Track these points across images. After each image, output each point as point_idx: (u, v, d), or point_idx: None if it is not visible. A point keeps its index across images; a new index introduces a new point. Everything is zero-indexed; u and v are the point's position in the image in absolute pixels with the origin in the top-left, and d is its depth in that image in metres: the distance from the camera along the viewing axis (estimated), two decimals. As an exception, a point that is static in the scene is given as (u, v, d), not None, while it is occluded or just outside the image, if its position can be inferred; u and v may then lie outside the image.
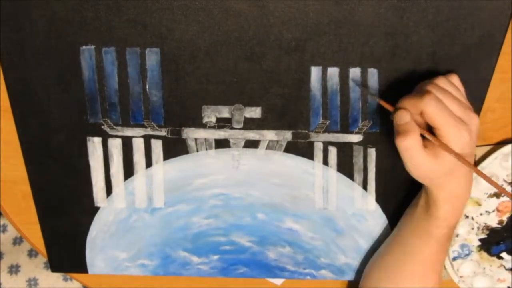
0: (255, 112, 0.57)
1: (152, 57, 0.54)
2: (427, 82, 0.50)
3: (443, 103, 0.48)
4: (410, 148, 0.48)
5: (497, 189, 0.49)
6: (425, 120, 0.48)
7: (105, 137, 0.59)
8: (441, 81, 0.50)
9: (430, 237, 0.55)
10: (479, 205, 0.63)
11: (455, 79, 0.52)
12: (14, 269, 1.07)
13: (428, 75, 0.54)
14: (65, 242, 0.65)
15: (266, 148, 0.59)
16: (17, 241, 1.13)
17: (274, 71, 0.54)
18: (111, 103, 0.56)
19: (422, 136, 0.49)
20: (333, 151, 0.59)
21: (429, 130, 0.49)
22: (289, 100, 0.56)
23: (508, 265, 0.67)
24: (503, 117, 0.59)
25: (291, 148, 0.59)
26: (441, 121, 0.47)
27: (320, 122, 0.57)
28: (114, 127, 0.58)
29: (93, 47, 0.53)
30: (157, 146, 0.59)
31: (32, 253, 1.13)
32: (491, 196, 0.63)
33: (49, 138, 0.58)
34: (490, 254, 0.67)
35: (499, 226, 0.65)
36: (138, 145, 0.59)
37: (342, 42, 0.52)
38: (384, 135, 0.58)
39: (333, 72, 0.54)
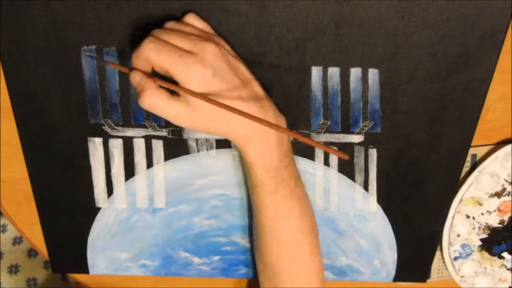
0: (256, 113, 0.57)
1: (153, 58, 0.54)
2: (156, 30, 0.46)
3: (164, 42, 0.43)
4: (153, 105, 0.45)
5: (317, 146, 0.44)
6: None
7: (106, 138, 0.59)
8: (168, 24, 0.46)
9: (256, 186, 0.50)
10: (480, 205, 0.63)
11: (190, 17, 0.48)
12: (13, 269, 1.08)
13: (429, 75, 0.54)
14: (66, 242, 0.65)
15: (267, 149, 0.59)
16: (17, 241, 1.14)
17: (275, 71, 0.54)
18: (112, 104, 0.56)
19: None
20: (334, 152, 0.59)
21: None
22: (290, 100, 0.56)
23: (509, 265, 0.67)
24: (504, 117, 0.59)
25: (292, 149, 0.59)
26: (164, 62, 0.43)
27: (321, 122, 0.57)
28: (115, 127, 0.58)
29: (94, 47, 0.53)
30: (158, 147, 0.59)
31: (31, 253, 1.13)
32: (492, 196, 0.63)
33: (50, 139, 0.58)
34: (491, 254, 0.67)
35: (500, 226, 0.65)
36: (139, 146, 0.59)
37: (342, 42, 0.53)
38: (386, 135, 0.58)
39: (334, 72, 0.54)
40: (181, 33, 0.44)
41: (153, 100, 0.44)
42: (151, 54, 0.43)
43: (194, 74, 0.43)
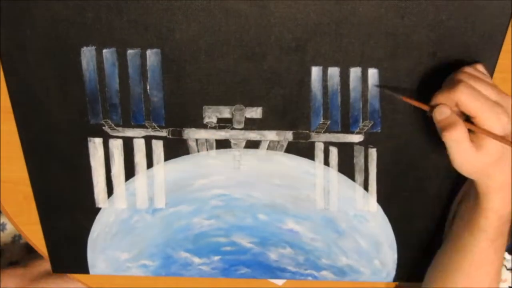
0: (256, 113, 0.57)
1: (153, 58, 0.54)
2: (455, 72, 0.50)
3: (476, 89, 0.47)
4: (459, 140, 0.48)
5: None
6: (461, 111, 0.48)
7: (106, 138, 0.59)
8: (469, 69, 0.50)
9: (481, 231, 0.53)
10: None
11: (481, 67, 0.52)
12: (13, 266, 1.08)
13: (429, 75, 0.54)
14: (66, 242, 0.65)
15: (267, 149, 0.59)
16: (16, 238, 1.14)
17: (275, 71, 0.54)
18: (112, 104, 0.56)
19: None
20: (334, 152, 0.59)
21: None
22: (290, 100, 0.56)
23: (509, 265, 0.67)
24: (504, 117, 0.59)
25: (292, 149, 0.59)
26: (477, 108, 0.47)
27: (321, 122, 0.57)
28: (115, 127, 0.58)
29: (94, 48, 0.54)
30: (158, 147, 0.59)
31: (31, 250, 1.13)
32: (492, 196, 0.62)
33: (50, 139, 0.58)
34: (492, 254, 0.66)
35: (500, 226, 0.65)
36: (139, 146, 0.59)
37: (342, 42, 0.53)
38: (385, 135, 0.58)
39: (334, 72, 0.54)
40: (486, 83, 0.48)
41: (461, 135, 0.48)
42: (466, 98, 0.47)
43: (500, 123, 0.47)
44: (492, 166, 0.50)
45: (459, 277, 0.57)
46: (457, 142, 0.48)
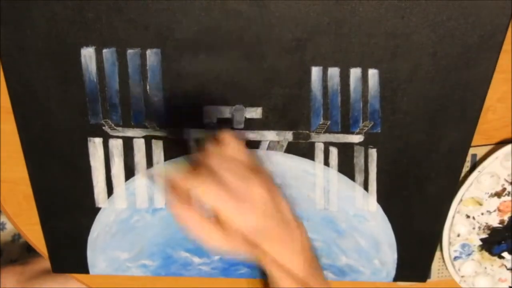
0: (255, 113, 0.57)
1: (153, 58, 0.54)
2: (199, 155, 0.46)
3: (220, 187, 0.43)
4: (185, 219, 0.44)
5: None
6: None
7: (106, 138, 0.59)
8: (214, 156, 0.45)
9: None
10: (480, 204, 0.63)
11: (227, 138, 0.46)
12: (13, 265, 1.09)
13: (429, 75, 0.54)
14: (66, 242, 0.65)
15: (267, 149, 0.59)
16: (16, 237, 1.14)
17: (275, 71, 0.54)
18: (112, 104, 0.56)
19: None
20: (334, 152, 0.59)
21: None
22: (290, 101, 0.56)
23: (509, 265, 0.67)
24: (504, 117, 0.59)
25: (292, 149, 0.59)
26: (218, 209, 0.43)
27: (321, 122, 0.57)
28: (115, 127, 0.58)
29: (94, 48, 0.53)
30: (158, 147, 0.59)
31: (30, 249, 1.14)
32: (492, 196, 0.63)
33: (50, 139, 0.58)
34: (491, 253, 0.67)
35: (500, 225, 0.65)
36: (139, 146, 0.59)
37: (342, 42, 0.52)
38: (385, 135, 0.58)
39: (334, 72, 0.54)
40: (228, 169, 0.44)
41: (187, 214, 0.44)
42: (209, 199, 0.43)
43: (244, 222, 0.44)
44: (255, 247, 0.46)
45: None
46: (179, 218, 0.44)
